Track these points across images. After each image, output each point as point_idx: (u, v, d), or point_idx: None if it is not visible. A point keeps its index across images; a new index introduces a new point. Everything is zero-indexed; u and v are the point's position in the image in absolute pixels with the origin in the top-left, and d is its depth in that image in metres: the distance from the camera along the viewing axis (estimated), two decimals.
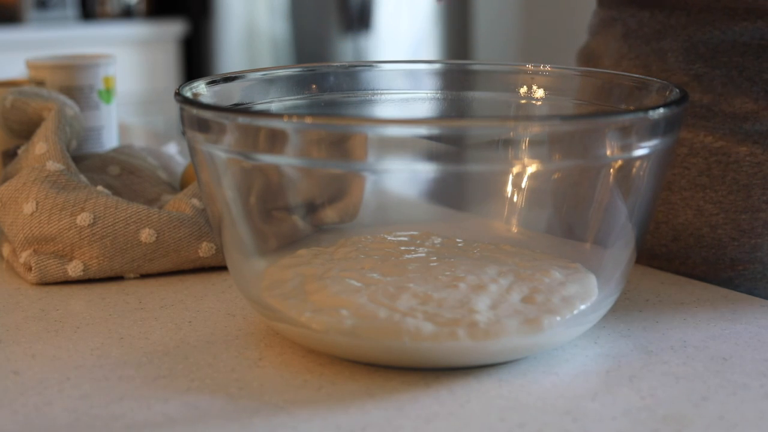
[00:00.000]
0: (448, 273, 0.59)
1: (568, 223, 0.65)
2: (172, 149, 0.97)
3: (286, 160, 0.55)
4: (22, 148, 0.78)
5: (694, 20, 0.75)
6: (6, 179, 0.78)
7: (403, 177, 0.62)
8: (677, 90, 0.58)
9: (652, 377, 0.54)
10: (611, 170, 0.56)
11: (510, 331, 0.53)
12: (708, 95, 0.74)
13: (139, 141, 1.27)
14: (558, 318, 0.55)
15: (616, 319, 0.62)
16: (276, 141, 0.54)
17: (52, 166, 0.74)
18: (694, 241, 0.74)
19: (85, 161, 0.85)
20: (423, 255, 0.64)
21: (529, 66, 0.70)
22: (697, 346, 0.59)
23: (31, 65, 0.90)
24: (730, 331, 0.61)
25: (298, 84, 0.70)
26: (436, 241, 0.67)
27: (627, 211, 0.57)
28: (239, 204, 0.60)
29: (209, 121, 0.55)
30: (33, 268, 0.70)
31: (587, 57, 0.87)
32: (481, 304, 0.55)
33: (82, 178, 0.75)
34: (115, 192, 0.79)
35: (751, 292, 0.72)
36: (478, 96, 0.72)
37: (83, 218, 0.70)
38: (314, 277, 0.59)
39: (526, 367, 0.55)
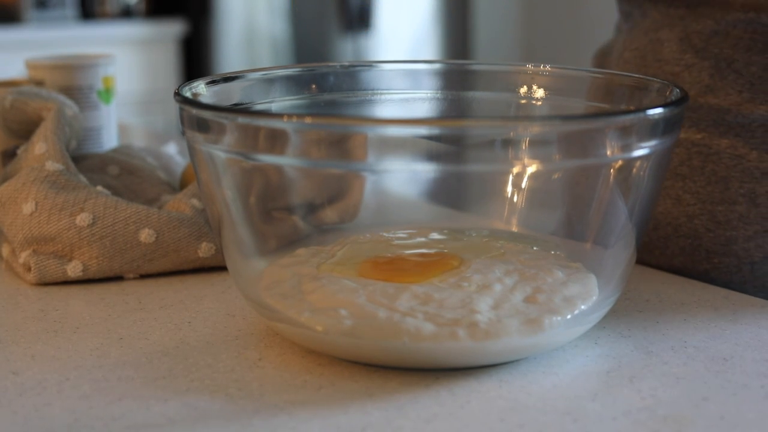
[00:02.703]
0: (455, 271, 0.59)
1: (568, 223, 0.65)
2: (172, 149, 0.97)
3: (286, 160, 0.55)
4: (22, 148, 0.78)
5: (692, 11, 0.75)
6: (5, 179, 0.77)
7: (403, 177, 0.62)
8: (677, 90, 0.58)
9: (652, 378, 0.54)
10: (611, 170, 0.56)
11: (510, 331, 0.53)
12: (695, 86, 0.74)
13: (138, 141, 1.27)
14: (559, 318, 0.55)
15: (616, 319, 0.62)
16: (276, 141, 0.54)
17: (52, 166, 0.74)
18: (672, 230, 0.75)
19: (85, 161, 0.85)
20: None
21: (529, 66, 0.70)
22: (697, 347, 0.59)
23: (30, 65, 0.90)
24: (731, 332, 0.61)
25: (298, 84, 0.70)
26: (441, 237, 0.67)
27: (627, 211, 0.57)
28: (239, 204, 0.59)
29: (209, 121, 0.55)
30: (32, 269, 0.70)
31: (601, 54, 0.88)
32: (483, 305, 0.55)
33: (82, 178, 0.75)
34: (115, 192, 0.79)
35: (727, 285, 0.72)
36: (478, 96, 0.72)
37: (83, 218, 0.70)
38: (311, 277, 0.59)
39: (527, 367, 0.55)
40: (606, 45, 0.88)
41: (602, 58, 0.87)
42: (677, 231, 0.75)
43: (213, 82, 0.64)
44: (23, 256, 0.71)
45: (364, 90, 0.71)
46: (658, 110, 0.53)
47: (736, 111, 0.73)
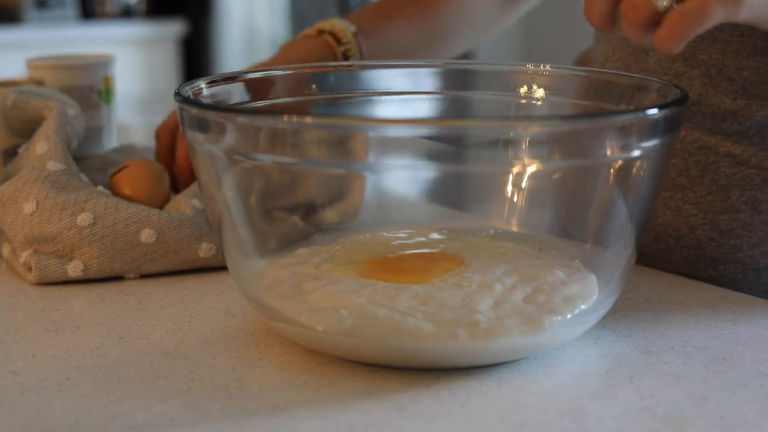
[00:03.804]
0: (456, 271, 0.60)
1: (567, 223, 0.65)
2: None
3: (286, 160, 0.55)
4: (23, 147, 0.78)
5: None
6: (6, 179, 0.78)
7: (403, 177, 0.62)
8: (677, 90, 0.58)
9: (652, 377, 0.54)
10: (611, 170, 0.56)
11: (510, 330, 0.53)
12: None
13: (138, 141, 1.27)
14: (559, 318, 0.55)
15: (616, 319, 0.62)
16: (276, 141, 0.54)
17: (53, 166, 0.74)
18: (674, 241, 0.75)
19: (85, 161, 0.85)
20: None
21: (529, 66, 0.70)
22: (697, 346, 0.59)
23: (31, 65, 0.90)
24: (731, 332, 0.61)
25: (298, 84, 0.70)
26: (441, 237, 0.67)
27: (627, 211, 0.57)
28: (239, 204, 0.60)
29: (209, 121, 0.55)
30: (33, 268, 0.70)
31: (581, 62, 0.87)
32: (483, 304, 0.55)
33: (83, 177, 0.75)
34: None
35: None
36: (478, 96, 0.72)
37: (83, 218, 0.70)
38: (311, 277, 0.59)
39: (527, 367, 0.55)
40: (583, 53, 0.88)
41: (582, 66, 0.87)
42: (679, 242, 0.74)
43: (213, 82, 0.64)
44: (24, 256, 0.71)
45: (365, 90, 0.71)
46: (658, 110, 0.53)
47: (732, 118, 0.72)
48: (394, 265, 0.62)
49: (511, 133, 0.53)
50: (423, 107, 0.72)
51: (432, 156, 0.53)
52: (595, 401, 0.52)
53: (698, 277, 0.74)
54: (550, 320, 0.54)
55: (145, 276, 0.72)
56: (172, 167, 0.83)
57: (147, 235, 0.71)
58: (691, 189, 0.74)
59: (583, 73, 0.69)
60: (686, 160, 0.74)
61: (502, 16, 0.97)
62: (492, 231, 0.68)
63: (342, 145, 0.53)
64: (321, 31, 0.87)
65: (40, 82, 0.89)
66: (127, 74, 2.86)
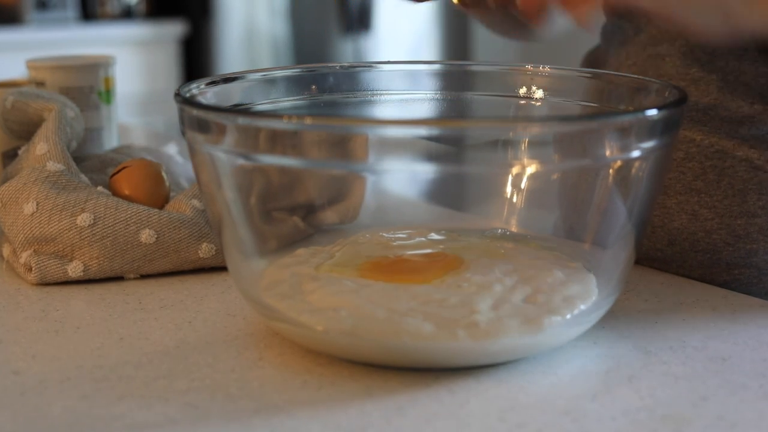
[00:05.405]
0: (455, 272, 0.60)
1: (567, 223, 0.65)
2: (172, 150, 0.97)
3: (286, 161, 0.55)
4: (23, 148, 0.78)
5: None
6: (6, 180, 0.78)
7: (403, 177, 0.62)
8: (676, 90, 0.58)
9: (651, 377, 0.54)
10: (610, 171, 0.56)
11: (510, 331, 0.54)
12: (704, 99, 0.74)
13: (138, 141, 1.28)
14: (558, 318, 0.55)
15: (615, 319, 0.62)
16: (276, 142, 0.54)
17: (53, 166, 0.74)
18: (689, 245, 0.74)
19: (85, 162, 0.85)
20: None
21: (529, 66, 0.70)
22: (696, 347, 0.59)
23: (31, 66, 0.91)
24: (729, 332, 0.61)
25: (298, 85, 0.70)
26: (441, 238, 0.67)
27: (626, 212, 0.58)
28: (239, 204, 0.60)
29: (209, 121, 0.55)
30: (33, 269, 0.70)
31: (590, 62, 0.87)
32: (483, 305, 0.55)
33: (83, 177, 0.75)
34: None
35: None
36: (477, 97, 0.73)
37: (83, 219, 0.71)
38: (311, 277, 0.60)
39: (526, 367, 0.56)
40: (593, 53, 0.87)
41: (592, 67, 0.86)
42: (695, 246, 0.74)
43: (213, 83, 0.64)
44: (24, 257, 0.71)
45: (364, 91, 0.71)
46: (657, 111, 0.53)
47: (750, 123, 0.72)
48: (393, 266, 0.62)
49: (511, 134, 0.53)
50: (422, 108, 0.73)
51: (432, 156, 0.53)
52: (594, 401, 0.52)
53: (712, 282, 0.74)
54: (549, 320, 0.55)
55: (145, 276, 0.72)
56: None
57: (147, 236, 0.71)
58: (708, 193, 0.73)
59: (583, 74, 0.69)
60: (703, 164, 0.73)
61: None
62: (492, 231, 0.69)
63: (342, 146, 0.53)
64: None
65: (40, 83, 0.89)
66: (127, 75, 2.86)
